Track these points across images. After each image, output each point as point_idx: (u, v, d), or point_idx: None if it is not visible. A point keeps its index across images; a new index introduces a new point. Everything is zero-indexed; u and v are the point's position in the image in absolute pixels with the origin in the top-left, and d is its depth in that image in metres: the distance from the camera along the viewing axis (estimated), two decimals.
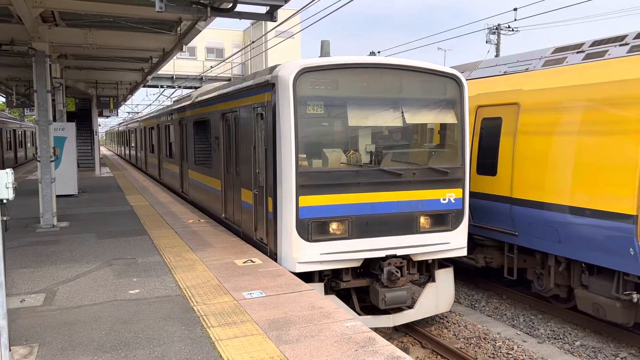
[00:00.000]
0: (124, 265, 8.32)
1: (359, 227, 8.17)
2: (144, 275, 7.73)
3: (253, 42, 25.63)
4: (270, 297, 6.63)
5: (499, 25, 31.46)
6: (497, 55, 30.52)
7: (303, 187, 7.83)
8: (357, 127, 8.45)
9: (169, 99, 42.01)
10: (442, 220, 8.74)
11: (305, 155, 7.95)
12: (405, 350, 8.70)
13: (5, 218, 4.79)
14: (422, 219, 8.57)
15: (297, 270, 7.86)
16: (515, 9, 21.95)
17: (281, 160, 7.87)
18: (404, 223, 8.43)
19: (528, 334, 9.39)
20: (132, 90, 30.07)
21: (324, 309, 6.17)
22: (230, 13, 7.47)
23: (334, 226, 8.07)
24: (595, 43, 9.29)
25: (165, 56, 15.97)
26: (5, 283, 4.45)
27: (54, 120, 15.55)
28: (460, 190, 8.83)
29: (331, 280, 8.47)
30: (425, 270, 9.16)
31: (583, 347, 8.80)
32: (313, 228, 7.96)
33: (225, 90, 11.16)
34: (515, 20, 21.96)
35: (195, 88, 39.31)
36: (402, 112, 8.48)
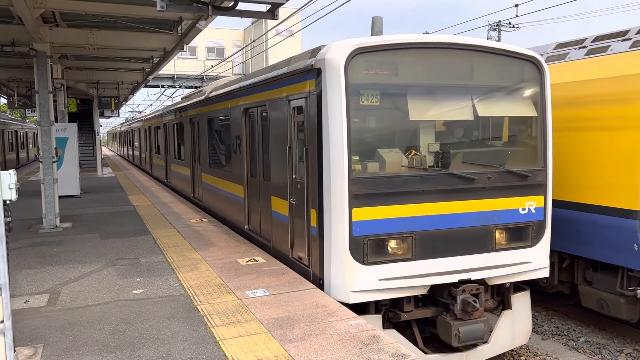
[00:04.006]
0: (127, 266, 8.32)
1: (424, 246, 6.75)
2: (147, 275, 7.73)
3: (254, 41, 25.61)
4: (274, 295, 6.62)
5: (499, 22, 31.40)
6: None
7: (357, 197, 6.42)
8: (419, 121, 7.03)
9: (170, 98, 42.04)
10: (521, 234, 7.32)
11: (358, 158, 6.58)
12: None
13: (8, 219, 4.79)
14: (498, 234, 7.15)
15: (352, 301, 6.44)
16: (516, 5, 21.90)
17: (329, 163, 6.49)
18: (477, 239, 7.02)
19: (532, 330, 9.38)
20: (133, 90, 30.10)
21: (328, 307, 6.16)
22: (231, 11, 7.45)
23: (393, 245, 6.66)
24: (598, 38, 9.26)
25: (166, 56, 15.98)
26: (9, 284, 4.45)
27: (56, 121, 15.56)
28: (542, 197, 7.39)
29: (388, 310, 6.96)
30: (496, 294, 7.63)
31: (587, 344, 8.78)
32: (369, 248, 6.53)
33: (248, 82, 9.63)
34: (516, 16, 21.92)
35: (196, 87, 39.29)
36: (474, 103, 7.07)
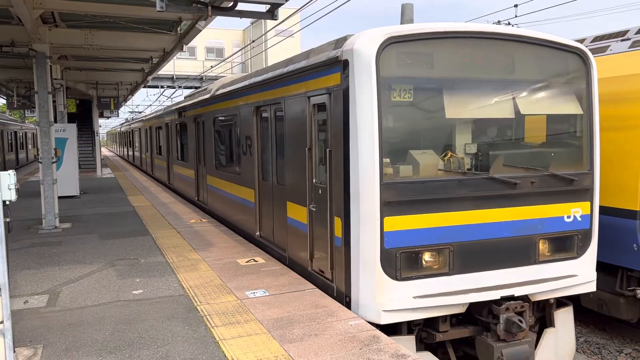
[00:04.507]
0: (126, 266, 8.31)
1: (462, 259, 6.12)
2: (147, 276, 7.72)
3: (253, 41, 25.62)
4: (273, 296, 6.62)
5: (499, 22, 31.41)
6: None
7: (389, 205, 5.78)
8: (455, 120, 6.35)
9: (170, 99, 42.04)
10: (566, 244, 6.71)
11: (389, 160, 5.92)
12: None
13: (8, 219, 4.78)
14: (542, 245, 6.53)
15: (383, 322, 5.81)
16: (515, 6, 21.91)
17: (357, 167, 5.86)
18: (519, 251, 6.40)
19: None
20: (133, 90, 30.08)
21: (328, 307, 6.15)
22: (231, 12, 7.45)
23: (429, 258, 6.03)
24: (597, 39, 9.26)
25: (165, 56, 15.97)
26: (8, 284, 4.44)
27: (55, 121, 15.56)
28: (588, 203, 6.76)
29: (421, 330, 6.31)
30: (537, 309, 6.89)
31: (587, 344, 8.78)
32: (403, 261, 5.88)
33: (260, 78, 8.91)
34: (515, 16, 21.91)
35: (196, 88, 39.28)
36: (515, 100, 6.45)
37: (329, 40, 7.23)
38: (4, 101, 32.88)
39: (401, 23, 7.19)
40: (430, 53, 6.08)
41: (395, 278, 5.85)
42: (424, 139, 6.28)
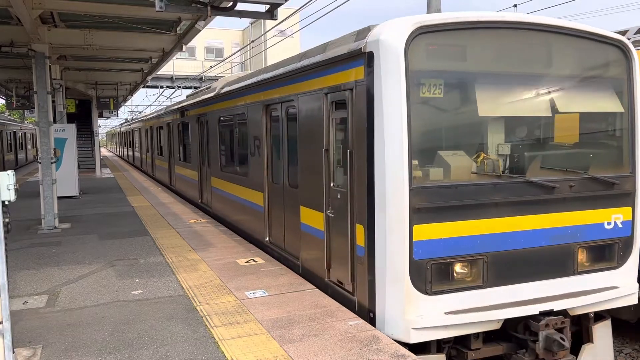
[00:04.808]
0: (126, 266, 8.31)
1: (497, 270, 5.62)
2: (146, 276, 7.72)
3: (252, 41, 25.61)
4: (273, 296, 6.61)
5: None
6: None
7: (419, 212, 5.29)
8: (488, 117, 5.85)
9: (169, 99, 42.02)
10: (606, 253, 6.23)
11: (417, 162, 5.43)
12: None
13: (7, 220, 4.78)
14: (581, 254, 6.03)
15: (413, 341, 5.32)
16: (515, 6, 21.92)
17: (384, 169, 5.36)
18: (556, 261, 5.91)
19: None
20: (132, 90, 30.07)
21: (328, 307, 6.15)
22: (230, 12, 7.45)
23: (461, 269, 5.53)
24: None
25: (164, 56, 15.96)
26: (7, 285, 4.44)
27: (54, 121, 15.55)
28: (630, 209, 6.26)
29: (451, 348, 5.81)
30: (573, 323, 6.23)
31: None
32: (433, 273, 5.39)
33: (270, 74, 8.42)
34: None
35: (195, 88, 39.29)
36: (552, 96, 5.95)
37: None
38: (4, 101, 32.88)
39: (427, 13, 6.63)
40: (463, 45, 5.60)
41: (425, 292, 5.35)
42: (455, 138, 5.78)
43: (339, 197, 6.37)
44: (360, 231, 5.85)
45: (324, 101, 6.62)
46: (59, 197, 12.88)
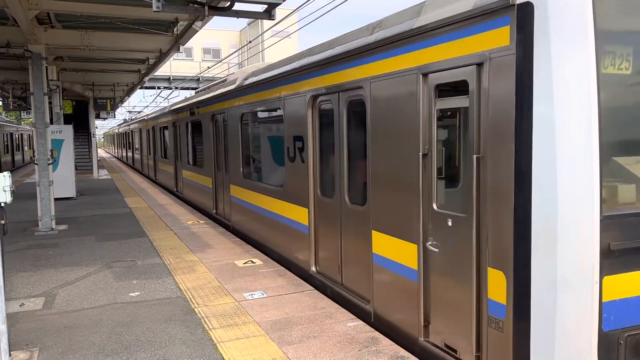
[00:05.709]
0: (123, 268, 8.27)
1: None
2: (144, 278, 7.68)
3: (250, 42, 25.56)
4: (271, 297, 6.58)
5: None
6: None
7: (611, 255, 3.55)
8: None
9: (166, 99, 41.94)
10: None
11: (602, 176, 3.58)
12: None
13: (3, 222, 4.75)
14: None
15: None
16: None
17: (554, 187, 3.50)
18: None
19: None
20: (129, 91, 30.01)
21: (327, 309, 6.12)
22: (228, 12, 7.41)
23: None
24: None
25: (162, 57, 15.92)
26: (4, 287, 4.40)
27: (51, 122, 15.49)
28: None
29: None
30: None
31: None
32: (628, 352, 3.66)
33: (322, 56, 6.64)
34: None
35: (193, 89, 39.24)
36: None
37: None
38: (0, 103, 32.78)
39: None
40: None
41: None
42: None
43: (450, 225, 4.56)
44: (499, 280, 3.99)
45: (420, 85, 4.81)
46: (56, 199, 12.83)
